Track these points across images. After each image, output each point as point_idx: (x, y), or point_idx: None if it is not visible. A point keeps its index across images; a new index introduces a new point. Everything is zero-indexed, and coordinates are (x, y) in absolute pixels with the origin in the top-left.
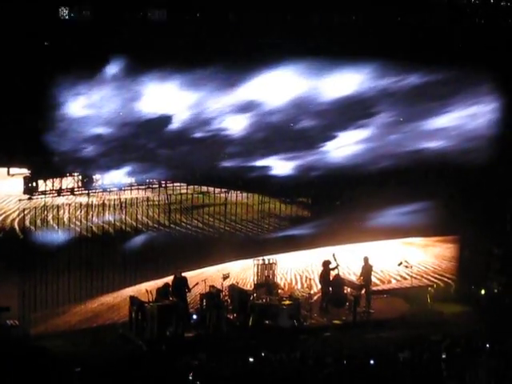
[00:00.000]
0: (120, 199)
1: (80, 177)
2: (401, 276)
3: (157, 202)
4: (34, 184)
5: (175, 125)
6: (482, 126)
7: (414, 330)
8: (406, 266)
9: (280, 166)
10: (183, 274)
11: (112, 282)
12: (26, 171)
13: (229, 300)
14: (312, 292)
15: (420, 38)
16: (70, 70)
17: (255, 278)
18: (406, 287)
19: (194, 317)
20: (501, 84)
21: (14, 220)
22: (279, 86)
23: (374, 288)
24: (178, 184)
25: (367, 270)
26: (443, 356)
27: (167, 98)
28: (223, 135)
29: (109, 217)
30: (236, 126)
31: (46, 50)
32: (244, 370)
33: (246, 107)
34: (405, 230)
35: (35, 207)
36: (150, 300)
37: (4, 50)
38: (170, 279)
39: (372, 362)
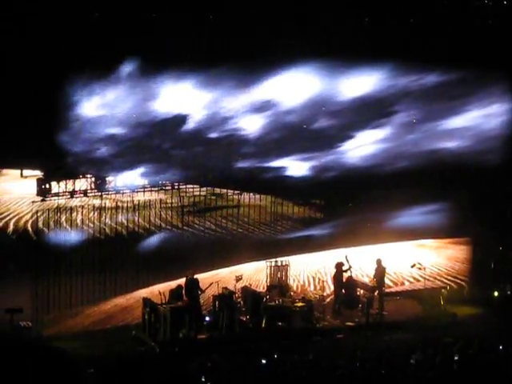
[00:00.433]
0: (133, 201)
1: (93, 179)
2: (414, 278)
3: (170, 204)
4: (47, 186)
5: (190, 125)
6: (497, 126)
7: (426, 332)
8: (419, 268)
9: (295, 166)
10: (196, 276)
11: (125, 284)
12: (39, 173)
13: (242, 302)
14: (325, 294)
15: (434, 38)
16: (85, 69)
17: (268, 279)
18: (419, 289)
19: (207, 318)
20: None
21: (27, 222)
22: (295, 86)
23: (387, 290)
24: (191, 186)
25: (380, 271)
26: (456, 358)
27: (182, 98)
28: (238, 135)
29: (122, 219)
30: (251, 126)
31: (60, 49)
32: (257, 371)
33: (261, 107)
34: (418, 231)
35: (48, 209)
36: (163, 302)
37: (17, 49)
38: (182, 281)
39: (384, 363)
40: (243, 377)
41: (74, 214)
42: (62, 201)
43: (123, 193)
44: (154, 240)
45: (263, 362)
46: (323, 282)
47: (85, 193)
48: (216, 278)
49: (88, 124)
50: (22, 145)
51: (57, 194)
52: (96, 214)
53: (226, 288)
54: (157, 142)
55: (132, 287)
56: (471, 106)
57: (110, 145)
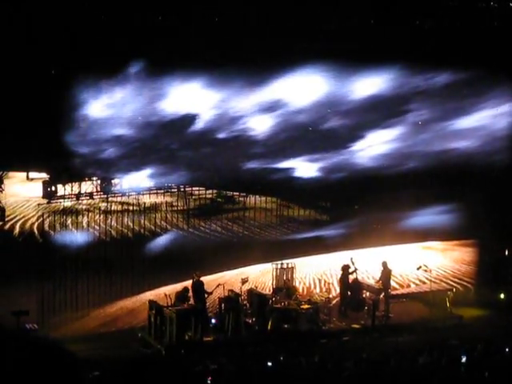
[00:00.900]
0: (139, 203)
1: (99, 181)
2: (420, 280)
3: (175, 207)
4: (53, 188)
5: (198, 126)
6: (506, 127)
7: (433, 334)
8: (425, 270)
9: (303, 167)
10: (201, 278)
11: (131, 287)
12: (45, 175)
13: (248, 304)
14: (331, 296)
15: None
16: (92, 70)
17: (274, 282)
18: (425, 291)
19: (213, 321)
20: None
21: (33, 224)
22: (305, 86)
23: (393, 292)
24: (197, 188)
25: (386, 274)
26: (462, 360)
27: (190, 98)
28: (247, 136)
29: (128, 221)
30: (260, 126)
31: (67, 49)
32: (263, 374)
33: (270, 107)
34: (425, 233)
35: (54, 211)
36: (169, 304)
37: (24, 50)
38: (188, 283)
39: (391, 366)
40: (249, 379)
41: (80, 217)
42: (67, 203)
43: (129, 195)
44: (160, 242)
45: (269, 364)
46: (329, 284)
47: (91, 195)
48: (222, 281)
49: (95, 125)
50: (28, 147)
51: (63, 197)
52: (102, 216)
53: (231, 290)
54: (164, 142)
55: (138, 290)
56: (481, 107)
57: (116, 146)
